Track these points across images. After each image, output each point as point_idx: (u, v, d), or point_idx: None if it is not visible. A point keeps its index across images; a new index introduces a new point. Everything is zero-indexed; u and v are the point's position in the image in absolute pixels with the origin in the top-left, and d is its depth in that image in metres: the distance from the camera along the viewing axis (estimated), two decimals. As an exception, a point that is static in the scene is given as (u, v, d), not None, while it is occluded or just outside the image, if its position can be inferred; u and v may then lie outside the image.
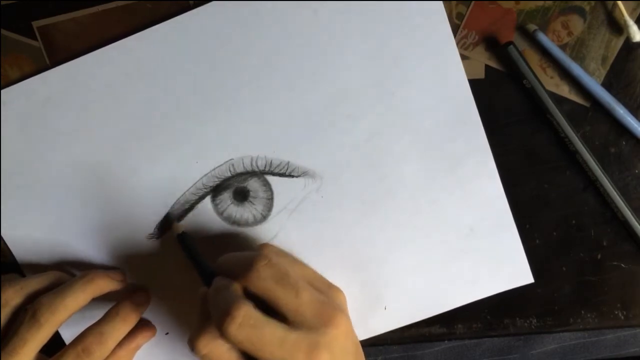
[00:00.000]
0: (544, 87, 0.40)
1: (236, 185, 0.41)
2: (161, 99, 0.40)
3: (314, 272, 0.40)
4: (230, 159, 0.41)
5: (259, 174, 0.41)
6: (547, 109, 0.40)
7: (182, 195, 0.41)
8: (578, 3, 0.41)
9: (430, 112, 0.40)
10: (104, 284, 0.40)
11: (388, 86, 0.40)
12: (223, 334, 0.33)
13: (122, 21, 0.40)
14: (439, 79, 0.40)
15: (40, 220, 0.41)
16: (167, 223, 0.41)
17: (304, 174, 0.41)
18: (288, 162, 0.41)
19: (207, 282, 0.37)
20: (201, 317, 0.36)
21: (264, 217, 0.41)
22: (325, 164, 0.41)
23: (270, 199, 0.41)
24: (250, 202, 0.41)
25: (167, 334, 0.44)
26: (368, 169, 0.41)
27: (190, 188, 0.41)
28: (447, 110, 0.40)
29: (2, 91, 0.40)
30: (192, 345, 0.34)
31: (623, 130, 0.41)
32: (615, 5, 0.40)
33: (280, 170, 0.41)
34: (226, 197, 0.41)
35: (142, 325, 0.41)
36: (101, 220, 0.41)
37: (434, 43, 0.40)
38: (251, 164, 0.41)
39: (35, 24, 0.40)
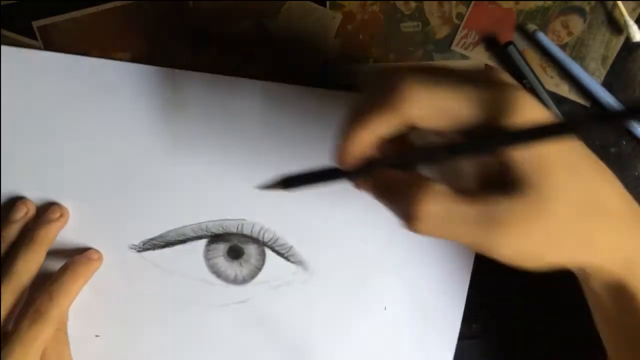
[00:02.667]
0: (544, 87, 0.40)
1: (236, 242, 0.41)
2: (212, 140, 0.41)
3: None
4: (243, 219, 0.41)
5: (261, 243, 0.41)
6: (547, 109, 0.40)
7: (182, 227, 0.41)
8: (578, 3, 0.41)
9: (428, 276, 0.42)
10: (88, 270, 0.39)
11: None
12: None
13: (122, 21, 0.40)
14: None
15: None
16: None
17: (299, 262, 0.41)
18: (291, 247, 0.41)
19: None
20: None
21: (244, 281, 0.41)
22: (323, 266, 0.41)
23: (258, 269, 0.41)
24: (240, 263, 0.41)
25: None
26: (355, 289, 0.42)
27: (192, 224, 0.41)
28: (442, 285, 0.42)
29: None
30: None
31: (623, 130, 0.41)
32: (615, 5, 0.40)
33: (281, 250, 0.41)
34: (220, 248, 0.41)
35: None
36: (94, 213, 0.41)
37: None
38: (259, 233, 0.41)
39: (35, 24, 0.40)
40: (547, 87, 0.41)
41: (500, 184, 0.26)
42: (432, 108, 0.25)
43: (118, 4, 0.40)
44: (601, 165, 0.29)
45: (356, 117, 0.26)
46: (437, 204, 0.25)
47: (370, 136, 0.26)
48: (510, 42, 0.40)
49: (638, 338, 0.32)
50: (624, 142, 0.42)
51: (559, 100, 0.41)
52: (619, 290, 0.31)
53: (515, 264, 0.28)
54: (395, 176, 0.27)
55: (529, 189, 0.26)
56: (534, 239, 0.27)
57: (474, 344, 0.44)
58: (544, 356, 0.44)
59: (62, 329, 0.39)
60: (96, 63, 0.40)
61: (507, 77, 0.28)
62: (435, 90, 0.25)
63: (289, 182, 0.31)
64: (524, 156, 0.26)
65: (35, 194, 0.41)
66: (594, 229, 0.28)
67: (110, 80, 0.40)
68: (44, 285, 0.38)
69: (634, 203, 0.30)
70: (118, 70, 0.40)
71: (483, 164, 0.28)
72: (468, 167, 0.29)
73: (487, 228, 0.26)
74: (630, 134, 0.41)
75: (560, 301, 0.43)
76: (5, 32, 0.40)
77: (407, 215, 0.26)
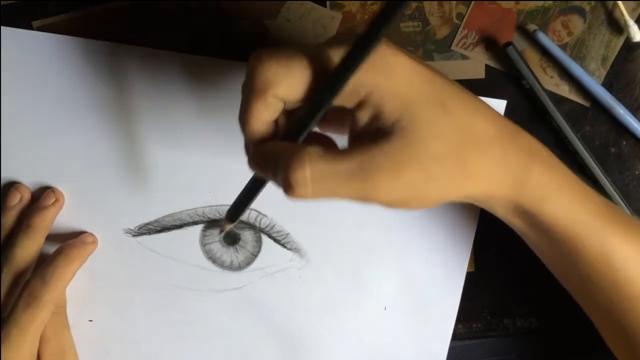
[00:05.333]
0: (543, 88, 0.40)
1: (232, 228, 0.41)
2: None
3: None
4: None
5: (258, 230, 0.41)
6: (546, 110, 0.40)
7: (178, 212, 0.41)
8: (578, 3, 0.41)
9: (424, 267, 0.42)
10: (82, 253, 0.39)
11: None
12: None
13: (122, 21, 0.40)
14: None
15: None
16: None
17: (296, 250, 0.41)
18: (288, 234, 0.41)
19: None
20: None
21: (240, 268, 0.41)
22: (319, 253, 0.42)
23: (254, 255, 0.41)
24: (236, 249, 0.41)
25: None
26: (350, 277, 0.42)
27: (189, 209, 0.41)
28: (439, 277, 0.42)
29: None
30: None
31: (623, 130, 0.41)
32: (615, 5, 0.40)
33: (278, 236, 0.41)
34: (217, 233, 0.41)
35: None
36: (89, 197, 0.41)
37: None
38: (255, 219, 0.41)
39: (35, 24, 0.40)
40: (547, 87, 0.41)
41: (378, 135, 0.27)
42: (293, 84, 0.26)
43: (118, 4, 0.40)
44: (471, 97, 0.30)
45: (242, 114, 0.28)
46: (310, 166, 0.26)
47: (259, 122, 0.28)
48: (510, 43, 0.40)
49: (557, 257, 0.34)
50: (624, 142, 0.42)
51: (558, 100, 0.41)
52: (521, 212, 0.32)
53: (401, 208, 0.28)
54: (273, 148, 0.28)
55: (399, 133, 0.27)
56: (412, 181, 0.27)
57: (474, 344, 0.44)
58: (544, 355, 0.44)
59: (60, 313, 0.39)
60: (91, 44, 0.40)
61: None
62: (291, 66, 0.26)
63: (232, 215, 0.34)
64: (390, 103, 0.26)
65: (30, 178, 0.41)
66: (472, 160, 0.28)
67: (106, 62, 0.40)
68: (38, 268, 0.38)
69: (511, 127, 0.31)
70: (114, 52, 0.40)
71: (361, 121, 0.28)
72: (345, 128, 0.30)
73: (362, 180, 0.26)
74: (630, 134, 0.41)
75: (561, 301, 0.43)
76: (5, 32, 0.40)
77: (285, 184, 0.26)
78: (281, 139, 0.29)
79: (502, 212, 0.33)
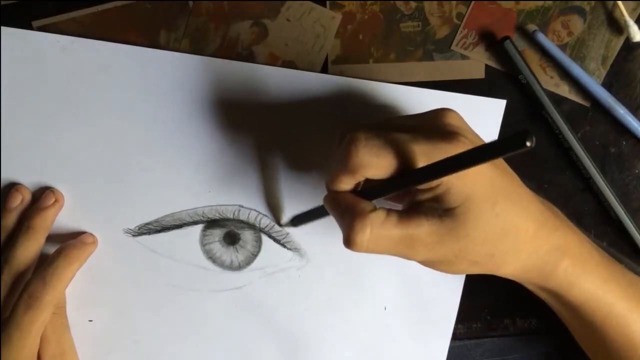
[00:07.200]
0: (539, 82, 0.40)
1: (232, 228, 0.41)
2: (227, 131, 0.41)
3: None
4: (240, 205, 0.41)
5: (257, 230, 0.41)
6: (542, 105, 0.40)
7: (178, 212, 0.41)
8: (578, 3, 0.41)
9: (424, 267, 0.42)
10: (82, 253, 0.39)
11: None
12: None
13: (122, 21, 0.40)
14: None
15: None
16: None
17: (295, 249, 0.42)
18: (288, 234, 0.41)
19: None
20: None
21: (240, 267, 0.41)
22: (318, 253, 0.42)
23: (254, 255, 0.41)
24: (236, 248, 0.41)
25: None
26: (350, 277, 0.42)
27: (189, 209, 0.41)
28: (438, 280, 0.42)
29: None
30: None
31: (623, 130, 0.41)
32: (615, 5, 0.40)
33: (277, 236, 0.41)
34: (217, 233, 0.41)
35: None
36: (89, 197, 0.41)
37: None
38: (255, 219, 0.41)
39: (35, 24, 0.40)
40: (547, 87, 0.41)
41: (431, 210, 0.31)
42: (380, 169, 0.31)
43: (118, 4, 0.40)
44: (523, 196, 0.33)
45: (331, 180, 0.33)
46: (370, 231, 0.31)
47: (343, 186, 0.33)
48: (507, 37, 0.40)
49: (586, 332, 0.38)
50: (624, 142, 0.42)
51: (558, 100, 0.41)
52: (549, 292, 0.36)
53: (429, 267, 0.34)
54: (346, 200, 0.32)
55: (450, 217, 0.31)
56: (445, 256, 0.32)
57: (474, 344, 0.44)
58: (544, 355, 0.44)
59: (60, 313, 0.39)
60: (91, 44, 0.40)
61: (454, 121, 0.32)
62: (382, 156, 0.30)
63: (296, 220, 0.40)
64: (454, 196, 0.30)
65: (30, 179, 0.40)
66: (503, 252, 0.33)
67: (106, 62, 0.40)
68: (39, 269, 0.38)
69: (551, 224, 0.34)
70: (114, 52, 0.40)
71: (422, 197, 0.32)
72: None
73: (407, 246, 0.32)
74: (630, 134, 0.41)
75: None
76: (5, 32, 0.40)
77: (346, 238, 0.31)
78: (355, 193, 0.33)
79: (530, 288, 0.37)
